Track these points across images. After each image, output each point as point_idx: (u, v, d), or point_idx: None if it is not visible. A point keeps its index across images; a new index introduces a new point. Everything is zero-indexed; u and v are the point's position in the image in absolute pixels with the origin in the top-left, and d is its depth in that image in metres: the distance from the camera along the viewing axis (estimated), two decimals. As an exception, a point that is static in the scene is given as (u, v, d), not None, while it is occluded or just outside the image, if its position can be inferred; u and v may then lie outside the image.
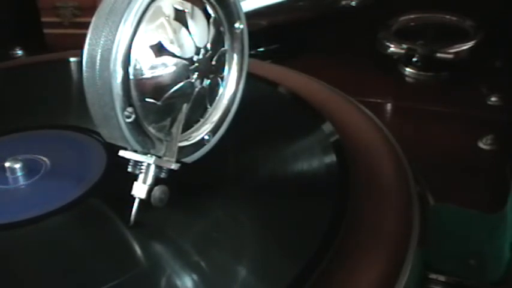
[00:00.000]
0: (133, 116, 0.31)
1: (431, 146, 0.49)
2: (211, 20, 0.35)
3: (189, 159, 0.36)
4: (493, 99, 0.55)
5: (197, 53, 0.34)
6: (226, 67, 0.38)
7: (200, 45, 0.34)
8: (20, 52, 0.77)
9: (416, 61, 0.60)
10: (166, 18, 0.32)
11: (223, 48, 0.37)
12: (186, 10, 0.34)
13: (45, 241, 0.34)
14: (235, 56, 0.38)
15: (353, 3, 0.67)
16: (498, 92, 0.55)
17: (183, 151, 0.35)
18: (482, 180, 0.45)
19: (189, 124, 0.36)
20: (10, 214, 0.36)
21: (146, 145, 0.33)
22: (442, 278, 0.35)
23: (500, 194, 0.39)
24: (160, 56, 0.32)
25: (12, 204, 0.37)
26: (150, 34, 0.32)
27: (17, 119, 0.48)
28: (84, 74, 0.31)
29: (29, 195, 0.38)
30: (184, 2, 0.34)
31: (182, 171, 0.34)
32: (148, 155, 0.33)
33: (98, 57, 0.30)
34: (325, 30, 0.70)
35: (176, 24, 0.33)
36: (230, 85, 0.38)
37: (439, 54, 0.59)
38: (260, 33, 0.64)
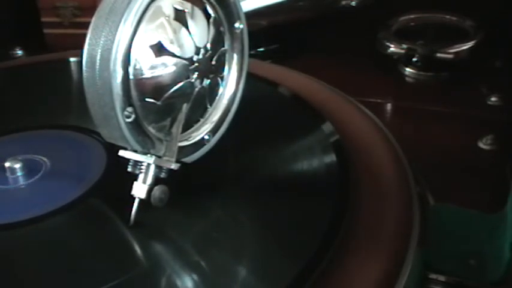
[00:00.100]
0: (133, 116, 0.31)
1: (431, 146, 0.49)
2: (211, 20, 0.35)
3: (189, 159, 0.36)
4: (493, 99, 0.55)
5: (197, 53, 0.34)
6: (226, 67, 0.38)
7: (200, 45, 0.34)
8: (20, 52, 0.77)
9: (416, 61, 0.60)
10: (166, 18, 0.32)
11: (223, 48, 0.37)
12: (186, 10, 0.34)
13: (45, 241, 0.34)
14: (235, 56, 0.38)
15: (353, 3, 0.67)
16: (498, 92, 0.55)
17: (183, 151, 0.35)
18: (482, 180, 0.45)
19: (189, 124, 0.36)
20: (10, 214, 0.36)
21: (146, 145, 0.33)
22: (442, 278, 0.35)
23: (500, 194, 0.39)
24: (160, 56, 0.32)
25: (12, 204, 0.37)
26: (150, 34, 0.32)
27: (17, 119, 0.48)
28: (84, 74, 0.31)
29: (29, 195, 0.38)
30: (184, 2, 0.34)
31: (182, 171, 0.34)
32: (148, 155, 0.33)
33: (98, 57, 0.30)
34: (325, 30, 0.70)
35: (176, 24, 0.33)
36: (230, 85, 0.38)
37: (439, 54, 0.59)
38: (260, 33, 0.64)
